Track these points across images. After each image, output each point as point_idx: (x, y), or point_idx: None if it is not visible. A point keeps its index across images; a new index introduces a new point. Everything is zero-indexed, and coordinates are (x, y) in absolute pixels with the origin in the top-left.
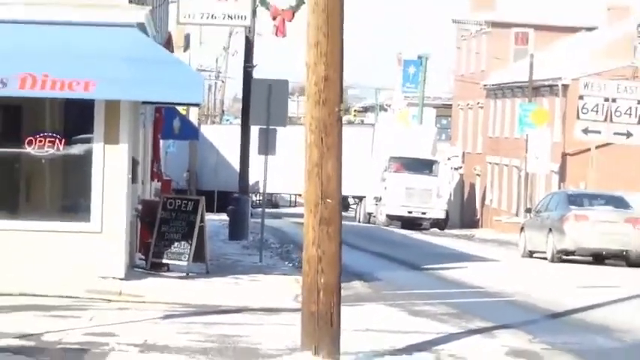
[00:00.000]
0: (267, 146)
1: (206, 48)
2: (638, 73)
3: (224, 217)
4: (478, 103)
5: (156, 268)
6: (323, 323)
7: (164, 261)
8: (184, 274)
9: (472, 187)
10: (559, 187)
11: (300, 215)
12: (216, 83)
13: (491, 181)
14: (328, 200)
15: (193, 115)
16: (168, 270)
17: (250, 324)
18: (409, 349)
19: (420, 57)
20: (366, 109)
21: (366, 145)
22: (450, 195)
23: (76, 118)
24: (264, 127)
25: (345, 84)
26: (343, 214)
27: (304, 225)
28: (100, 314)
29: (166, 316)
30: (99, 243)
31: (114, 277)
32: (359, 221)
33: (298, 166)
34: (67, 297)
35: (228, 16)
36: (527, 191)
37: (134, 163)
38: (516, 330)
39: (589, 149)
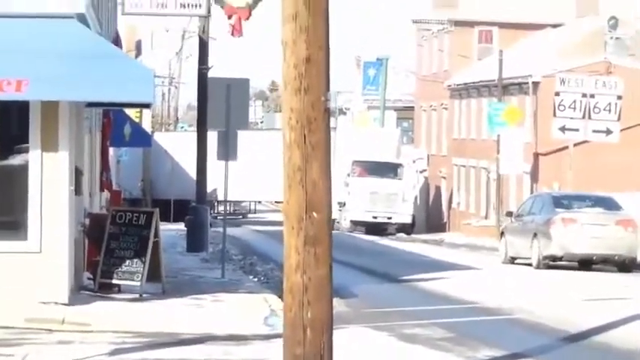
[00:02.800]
0: (228, 151)
1: (158, 54)
2: (612, 68)
3: (181, 226)
4: (442, 104)
5: (105, 289)
6: None
7: (114, 281)
8: (137, 296)
9: (438, 190)
10: (531, 189)
11: (261, 223)
12: (169, 89)
13: (458, 183)
14: (314, 214)
15: (146, 123)
16: (120, 291)
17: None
18: None
19: (379, 59)
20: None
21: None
22: (416, 199)
23: (8, 123)
24: (224, 130)
25: None
26: None
27: (285, 245)
28: (37, 351)
29: (114, 352)
30: (38, 264)
31: (56, 302)
32: (338, 230)
33: (257, 171)
34: (2, 327)
35: (181, 4)
36: (498, 193)
37: (77, 173)
38: None
39: (562, 149)
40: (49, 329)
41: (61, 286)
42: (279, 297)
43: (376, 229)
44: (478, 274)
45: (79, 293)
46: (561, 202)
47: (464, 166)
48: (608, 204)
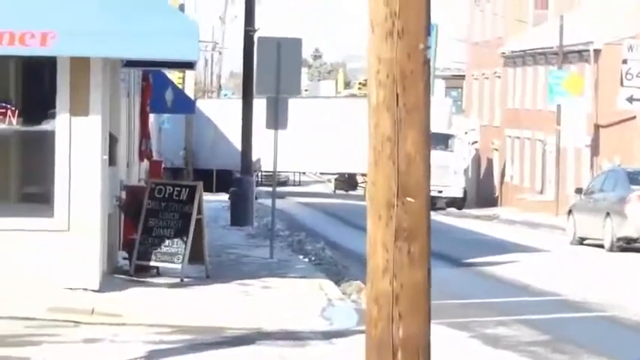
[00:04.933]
0: (277, 119)
1: (201, 19)
2: None
3: (224, 197)
4: (495, 73)
5: (142, 272)
6: None
7: (152, 263)
8: (178, 280)
9: (489, 162)
10: (591, 163)
11: (306, 195)
12: (212, 55)
13: (512, 156)
14: (409, 199)
15: (189, 89)
16: (158, 274)
17: None
18: None
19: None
20: None
21: None
22: (468, 172)
23: (33, 83)
24: (273, 96)
25: (345, 56)
26: (351, 192)
27: (368, 240)
28: (57, 351)
29: (149, 355)
30: (66, 244)
31: (85, 289)
32: None
33: (302, 142)
34: (22, 318)
35: None
36: (558, 167)
37: (112, 140)
38: None
39: (625, 120)
40: (76, 321)
41: (92, 269)
42: (336, 283)
43: None
44: (549, 258)
45: (112, 277)
46: (637, 178)
47: (518, 137)
48: None
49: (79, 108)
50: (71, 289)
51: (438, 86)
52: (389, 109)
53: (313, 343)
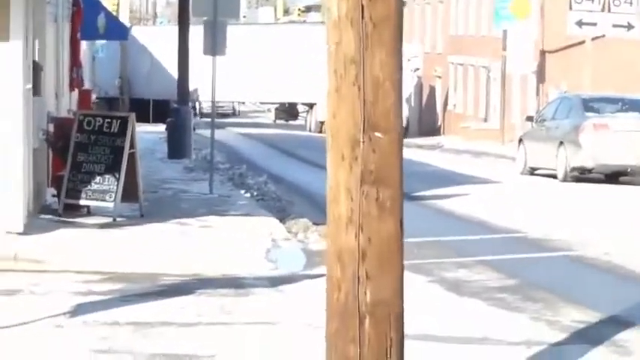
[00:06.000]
0: (216, 44)
1: None
2: None
3: (161, 128)
4: None
5: (71, 211)
6: None
7: (82, 202)
8: (110, 220)
9: (432, 90)
10: (537, 90)
11: (246, 125)
12: None
13: (455, 83)
14: (377, 134)
15: (124, 16)
16: (89, 213)
17: (209, 325)
18: None
19: None
20: (309, 9)
21: (317, 46)
22: (410, 100)
23: None
24: (211, 19)
25: None
26: (291, 122)
27: (328, 183)
28: None
29: (75, 309)
30: None
31: (8, 232)
32: (310, 131)
33: (244, 70)
34: None
35: None
36: (503, 94)
37: (36, 68)
38: None
39: (571, 46)
40: None
41: (15, 210)
42: (280, 220)
43: None
44: (500, 189)
45: (39, 218)
46: (592, 105)
47: (461, 64)
48: None
49: None
50: None
51: None
52: (353, 24)
53: (258, 292)
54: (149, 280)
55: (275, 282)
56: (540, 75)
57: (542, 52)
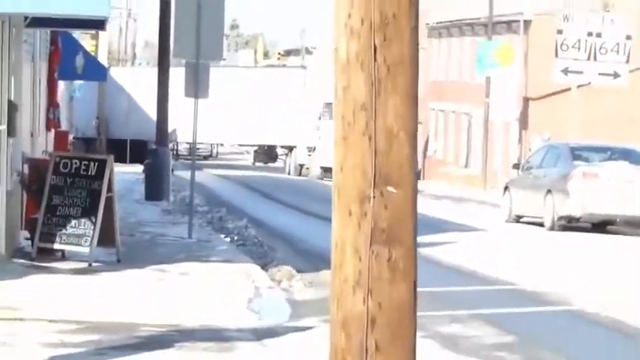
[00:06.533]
0: (198, 86)
1: None
2: (610, 7)
3: (138, 169)
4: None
5: (45, 255)
6: None
7: (57, 246)
8: (86, 265)
9: None
10: (520, 137)
11: (224, 167)
12: (127, 22)
13: (435, 129)
14: (390, 189)
15: (103, 57)
16: (64, 258)
17: None
18: None
19: None
20: (288, 53)
21: (296, 90)
22: None
23: None
24: (193, 61)
25: (263, 26)
26: (270, 165)
27: (333, 242)
28: None
29: None
30: None
31: None
32: (289, 174)
33: (223, 112)
34: None
35: None
36: (486, 141)
37: (11, 108)
38: None
39: (555, 93)
40: None
41: None
42: (263, 267)
43: None
44: (487, 237)
45: (12, 262)
46: (580, 154)
47: (442, 110)
48: (633, 157)
49: None
50: None
51: None
52: (364, 67)
53: (241, 346)
54: (126, 331)
55: (259, 335)
56: (523, 122)
57: (526, 100)
